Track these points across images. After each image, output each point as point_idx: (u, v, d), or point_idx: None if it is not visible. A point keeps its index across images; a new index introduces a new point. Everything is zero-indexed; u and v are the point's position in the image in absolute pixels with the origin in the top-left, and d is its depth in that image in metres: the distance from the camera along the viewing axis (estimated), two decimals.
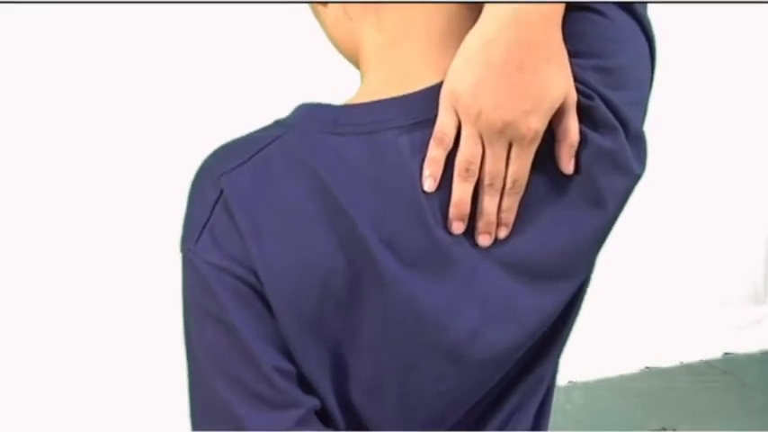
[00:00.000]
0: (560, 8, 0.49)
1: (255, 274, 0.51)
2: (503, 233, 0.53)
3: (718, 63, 2.62)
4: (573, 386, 2.50)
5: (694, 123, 2.65)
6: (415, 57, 0.55)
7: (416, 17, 0.55)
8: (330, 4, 0.59)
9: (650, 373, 2.62)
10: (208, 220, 0.53)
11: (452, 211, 0.52)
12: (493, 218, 0.52)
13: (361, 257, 0.52)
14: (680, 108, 2.60)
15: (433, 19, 0.55)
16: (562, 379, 2.46)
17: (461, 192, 0.51)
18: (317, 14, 0.62)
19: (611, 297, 2.63)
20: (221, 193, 0.52)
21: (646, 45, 0.56)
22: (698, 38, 2.55)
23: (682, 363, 2.65)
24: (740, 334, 2.78)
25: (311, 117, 0.55)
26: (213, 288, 0.52)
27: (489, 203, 0.51)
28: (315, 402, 0.54)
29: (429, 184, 0.51)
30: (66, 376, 2.06)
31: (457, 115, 0.50)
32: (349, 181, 0.51)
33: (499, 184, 0.51)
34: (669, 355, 2.66)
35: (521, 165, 0.50)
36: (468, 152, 0.50)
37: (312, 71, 1.68)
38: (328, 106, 0.55)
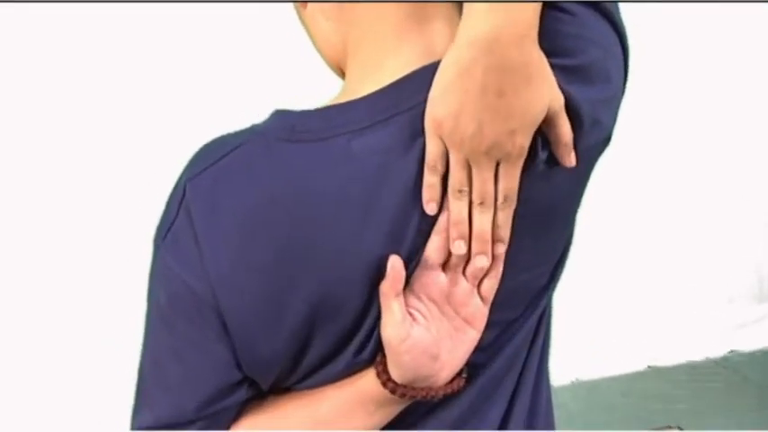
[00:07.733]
0: (534, 20, 0.47)
1: (206, 282, 0.52)
2: (500, 249, 0.53)
3: (721, 64, 2.62)
4: (577, 384, 2.50)
5: (698, 121, 2.65)
6: (385, 49, 0.55)
7: (387, 10, 0.55)
8: (309, 5, 0.59)
9: (655, 371, 2.62)
10: (173, 222, 0.54)
11: (453, 230, 0.52)
12: (487, 235, 0.52)
13: (305, 264, 0.52)
14: (685, 105, 2.59)
15: (401, 8, 0.55)
16: (567, 377, 2.48)
17: (458, 210, 0.51)
18: (300, 18, 0.61)
19: (615, 296, 2.63)
20: (184, 196, 0.53)
21: (616, 39, 0.55)
22: (698, 36, 2.54)
23: (686, 361, 2.66)
24: (745, 332, 2.78)
25: (274, 124, 0.55)
26: (165, 287, 0.55)
27: (483, 221, 0.52)
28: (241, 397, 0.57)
29: (431, 208, 0.51)
30: (62, 375, 2.07)
31: (443, 141, 0.50)
32: (297, 189, 0.51)
33: (490, 202, 0.51)
34: (674, 354, 2.66)
35: (510, 179, 0.51)
36: (457, 177, 0.50)
37: (311, 69, 1.68)
38: (292, 113, 0.55)
